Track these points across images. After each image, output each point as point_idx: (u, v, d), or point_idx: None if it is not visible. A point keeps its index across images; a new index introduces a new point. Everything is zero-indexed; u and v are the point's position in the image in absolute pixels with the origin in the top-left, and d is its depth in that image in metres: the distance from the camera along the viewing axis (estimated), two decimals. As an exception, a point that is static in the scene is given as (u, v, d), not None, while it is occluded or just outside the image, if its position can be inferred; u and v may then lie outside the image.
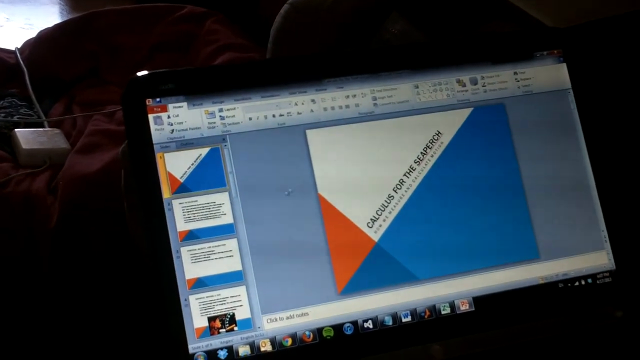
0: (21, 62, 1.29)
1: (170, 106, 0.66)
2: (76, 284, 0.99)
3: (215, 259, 0.65)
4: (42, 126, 1.18)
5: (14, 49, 1.35)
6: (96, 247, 0.99)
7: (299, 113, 0.68)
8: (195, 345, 0.63)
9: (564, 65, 0.75)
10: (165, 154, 0.65)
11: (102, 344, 0.96)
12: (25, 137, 1.11)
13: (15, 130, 1.13)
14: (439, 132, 0.71)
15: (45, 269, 0.99)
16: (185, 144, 0.66)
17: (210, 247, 0.65)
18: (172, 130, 0.66)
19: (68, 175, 1.03)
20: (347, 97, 0.70)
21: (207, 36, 1.29)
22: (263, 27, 1.05)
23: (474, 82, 0.73)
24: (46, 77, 1.29)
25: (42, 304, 0.99)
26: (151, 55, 1.30)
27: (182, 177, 0.65)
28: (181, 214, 0.65)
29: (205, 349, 0.63)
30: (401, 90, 0.71)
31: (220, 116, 0.67)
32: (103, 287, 0.98)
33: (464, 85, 0.72)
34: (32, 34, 1.41)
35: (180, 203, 0.65)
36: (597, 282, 0.73)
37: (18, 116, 1.18)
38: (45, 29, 1.38)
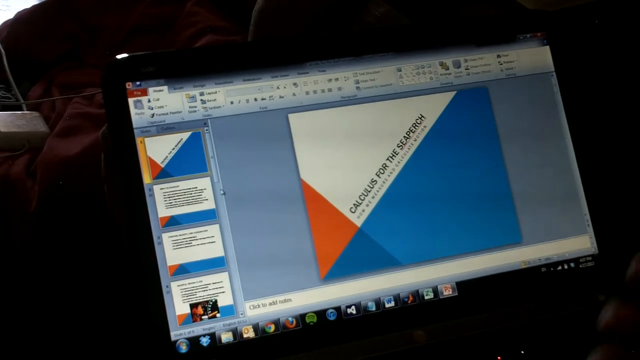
0: (-2, 44, 1.27)
1: (150, 90, 0.65)
2: (56, 269, 0.98)
3: (197, 245, 0.64)
4: (20, 109, 1.17)
5: (-10, 31, 1.33)
6: (77, 231, 0.98)
7: (281, 97, 0.68)
8: (178, 332, 0.63)
9: (547, 48, 0.75)
10: (145, 139, 0.64)
11: (82, 331, 0.96)
12: (3, 120, 1.10)
13: (-7, 113, 1.12)
14: (422, 116, 0.70)
15: (24, 253, 0.98)
16: (165, 129, 0.65)
17: (192, 233, 0.64)
18: (153, 115, 0.65)
19: (47, 158, 1.02)
20: (330, 80, 0.69)
21: (188, 18, 1.27)
22: (245, 10, 1.04)
23: (457, 65, 0.72)
24: (24, 59, 1.27)
25: (21, 288, 0.98)
26: (130, 37, 1.28)
27: (163, 162, 0.64)
28: (162, 200, 0.64)
29: (187, 335, 0.63)
30: (384, 73, 0.70)
31: (201, 100, 0.66)
32: (83, 272, 0.97)
33: (447, 69, 0.72)
34: (10, 15, 1.39)
35: (161, 188, 0.64)
36: (580, 266, 0.73)
37: (-5, 99, 1.17)
38: (23, 9, 1.36)
